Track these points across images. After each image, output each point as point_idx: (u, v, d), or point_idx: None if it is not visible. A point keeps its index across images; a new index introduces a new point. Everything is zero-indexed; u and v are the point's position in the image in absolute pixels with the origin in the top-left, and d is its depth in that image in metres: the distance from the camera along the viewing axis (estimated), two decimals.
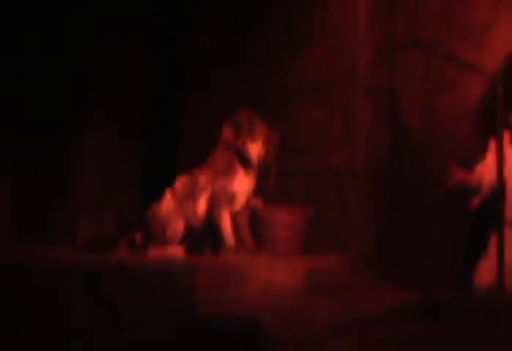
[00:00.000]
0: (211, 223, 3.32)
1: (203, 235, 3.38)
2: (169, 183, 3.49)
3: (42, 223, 4.33)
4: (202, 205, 3.35)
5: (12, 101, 4.53)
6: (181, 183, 3.43)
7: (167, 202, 3.39)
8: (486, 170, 3.57)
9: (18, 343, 2.97)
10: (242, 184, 3.36)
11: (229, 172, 3.34)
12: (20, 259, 3.30)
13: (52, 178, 4.45)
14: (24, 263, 3.23)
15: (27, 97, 4.57)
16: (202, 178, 3.37)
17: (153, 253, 3.29)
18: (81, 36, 4.58)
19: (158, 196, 3.46)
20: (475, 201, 3.64)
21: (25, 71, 4.54)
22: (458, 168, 3.61)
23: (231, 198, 3.33)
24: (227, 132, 3.41)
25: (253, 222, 3.49)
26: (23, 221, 4.29)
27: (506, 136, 3.39)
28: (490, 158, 3.52)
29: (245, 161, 3.37)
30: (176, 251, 3.34)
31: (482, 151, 3.64)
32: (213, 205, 3.32)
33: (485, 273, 3.54)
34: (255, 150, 3.37)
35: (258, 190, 3.50)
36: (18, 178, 4.45)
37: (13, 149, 4.51)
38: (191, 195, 3.36)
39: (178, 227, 3.33)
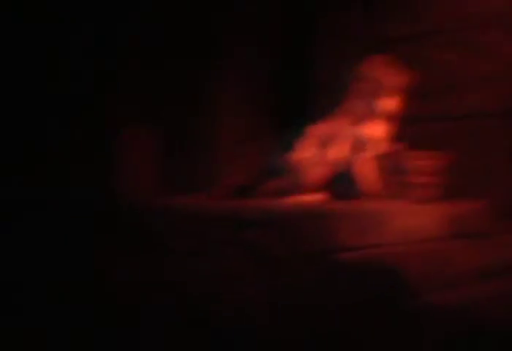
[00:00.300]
0: (348, 170, 3.33)
1: (343, 182, 3.40)
2: (305, 130, 3.51)
3: (185, 174, 4.48)
4: (340, 152, 3.36)
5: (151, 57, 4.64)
6: (317, 129, 3.45)
7: (306, 149, 3.42)
8: None
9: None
10: (380, 130, 3.33)
11: (367, 118, 3.32)
12: (170, 207, 3.47)
13: (190, 132, 4.58)
14: (174, 210, 3.39)
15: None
16: (341, 125, 3.37)
17: (294, 200, 3.36)
18: None
19: (294, 144, 3.50)
20: None
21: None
22: None
23: (370, 144, 3.31)
24: (357, 87, 3.37)
25: (393, 168, 3.47)
26: (168, 173, 4.45)
27: None
28: None
29: (378, 116, 3.32)
30: (317, 199, 3.39)
31: None
32: (352, 152, 3.32)
33: None
34: (386, 105, 3.32)
35: (397, 137, 3.47)
36: (163, 130, 4.59)
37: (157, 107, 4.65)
38: (329, 142, 3.38)
39: (317, 173, 3.37)
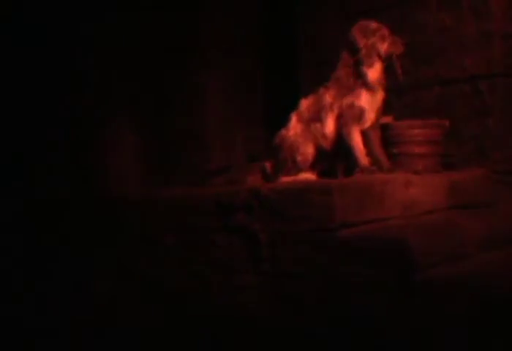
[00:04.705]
0: (341, 143, 3.16)
1: (335, 157, 3.23)
2: (293, 106, 3.35)
3: (172, 159, 4.34)
4: (330, 126, 3.17)
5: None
6: (305, 104, 3.27)
7: (294, 126, 3.25)
8: None
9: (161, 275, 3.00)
10: (370, 99, 3.15)
11: (355, 88, 3.14)
12: (155, 197, 3.31)
13: (179, 117, 4.43)
14: (160, 200, 3.24)
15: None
16: (328, 97, 3.19)
17: (285, 180, 3.19)
18: None
19: (283, 120, 3.34)
20: None
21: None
22: None
23: (360, 115, 3.12)
24: (345, 56, 3.20)
25: (386, 140, 3.30)
26: (153, 159, 4.32)
27: None
28: None
29: (365, 84, 3.15)
30: (309, 177, 3.23)
31: None
32: (342, 124, 3.14)
33: None
34: (375, 74, 3.14)
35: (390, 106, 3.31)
36: (147, 117, 4.45)
37: (138, 91, 4.49)
38: (317, 116, 3.20)
39: (307, 150, 3.19)
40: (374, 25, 3.18)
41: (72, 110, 4.22)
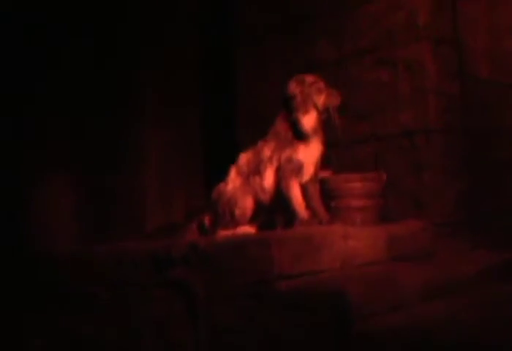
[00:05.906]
0: (280, 196, 3.16)
1: (274, 210, 3.22)
2: (233, 160, 3.35)
3: (109, 218, 4.28)
4: (269, 179, 3.17)
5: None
6: (244, 158, 3.27)
7: (233, 180, 3.24)
8: None
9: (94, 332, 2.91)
10: (309, 153, 3.17)
11: (294, 141, 3.16)
12: (90, 253, 3.24)
13: (118, 175, 4.39)
14: (94, 255, 3.17)
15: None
16: (266, 151, 3.20)
17: (224, 234, 3.16)
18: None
19: (223, 176, 3.33)
20: None
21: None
22: None
23: (299, 168, 3.13)
24: (283, 111, 3.24)
25: (324, 193, 3.32)
26: (90, 217, 4.25)
27: None
28: None
29: (300, 135, 3.17)
30: (247, 230, 3.21)
31: None
32: (281, 177, 3.15)
33: None
34: (310, 121, 3.17)
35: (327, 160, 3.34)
36: (86, 176, 4.40)
37: (77, 149, 4.46)
38: (256, 169, 3.20)
39: (246, 204, 3.18)
40: (310, 78, 3.23)
41: (9, 167, 4.15)
